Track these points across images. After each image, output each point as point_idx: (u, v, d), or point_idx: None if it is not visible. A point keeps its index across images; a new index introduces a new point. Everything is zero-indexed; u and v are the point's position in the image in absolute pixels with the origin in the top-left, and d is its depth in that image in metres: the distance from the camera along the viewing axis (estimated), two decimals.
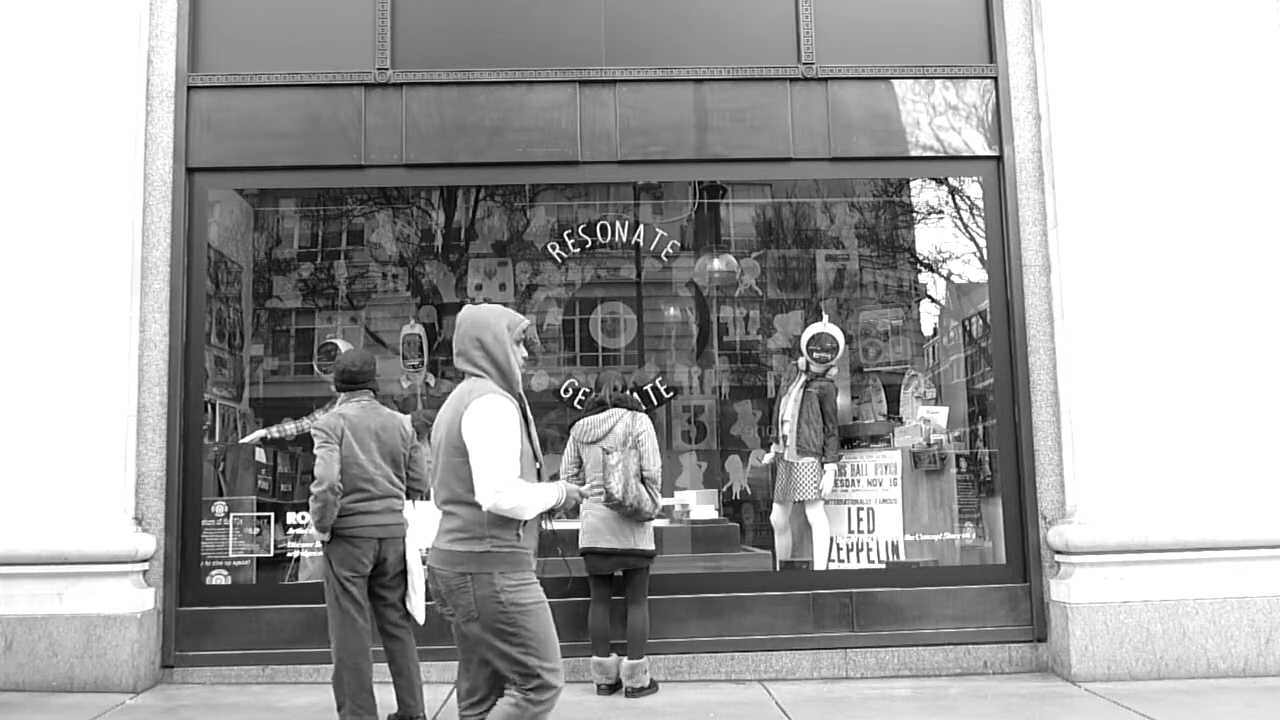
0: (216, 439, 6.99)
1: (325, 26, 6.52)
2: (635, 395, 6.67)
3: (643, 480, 5.68)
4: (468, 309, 3.40)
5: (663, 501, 6.13)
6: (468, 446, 3.16)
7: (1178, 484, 5.95)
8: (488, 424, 3.14)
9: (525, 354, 3.43)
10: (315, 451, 4.74)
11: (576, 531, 5.81)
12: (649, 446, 5.76)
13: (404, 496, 5.00)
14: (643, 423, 5.86)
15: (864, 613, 6.17)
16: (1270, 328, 6.13)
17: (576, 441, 5.95)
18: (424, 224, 8.91)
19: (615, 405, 5.95)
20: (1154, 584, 5.89)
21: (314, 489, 4.67)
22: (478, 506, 3.14)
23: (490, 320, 3.33)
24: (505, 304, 8.71)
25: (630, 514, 5.65)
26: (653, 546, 5.84)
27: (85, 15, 6.16)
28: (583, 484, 5.72)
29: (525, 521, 3.23)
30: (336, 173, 6.59)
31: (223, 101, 6.43)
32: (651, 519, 5.81)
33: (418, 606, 4.98)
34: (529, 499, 3.16)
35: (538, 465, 3.44)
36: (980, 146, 6.56)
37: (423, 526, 5.12)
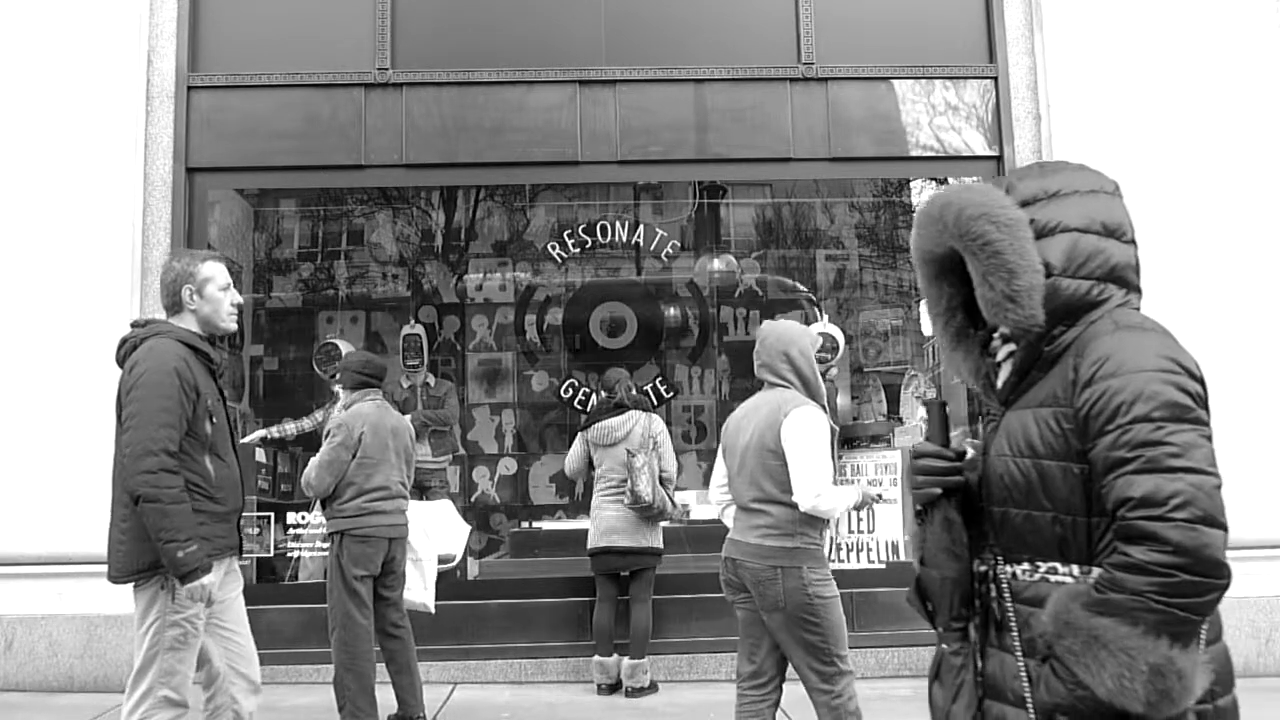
0: None
1: (325, 26, 6.51)
2: (644, 397, 6.71)
3: (660, 481, 5.73)
4: (769, 325, 3.75)
5: (680, 501, 6.30)
6: (786, 452, 3.47)
7: None
8: (809, 432, 3.47)
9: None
10: (325, 447, 4.77)
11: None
12: (668, 448, 5.85)
13: (409, 497, 5.01)
14: (658, 424, 5.93)
15: (864, 613, 6.16)
16: (1270, 328, 6.13)
17: (592, 444, 5.95)
18: (424, 224, 8.91)
19: (633, 407, 5.97)
20: None
21: (304, 487, 4.81)
22: (790, 505, 3.47)
23: (794, 336, 3.67)
24: (505, 304, 8.81)
25: (655, 515, 5.71)
26: (662, 545, 5.88)
27: (86, 15, 6.16)
28: (612, 484, 5.79)
29: (827, 520, 3.55)
30: (336, 173, 6.59)
31: (223, 101, 6.42)
32: (671, 519, 5.97)
33: (429, 597, 5.08)
34: (841, 501, 3.51)
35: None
36: (980, 146, 6.56)
37: (428, 523, 5.18)
